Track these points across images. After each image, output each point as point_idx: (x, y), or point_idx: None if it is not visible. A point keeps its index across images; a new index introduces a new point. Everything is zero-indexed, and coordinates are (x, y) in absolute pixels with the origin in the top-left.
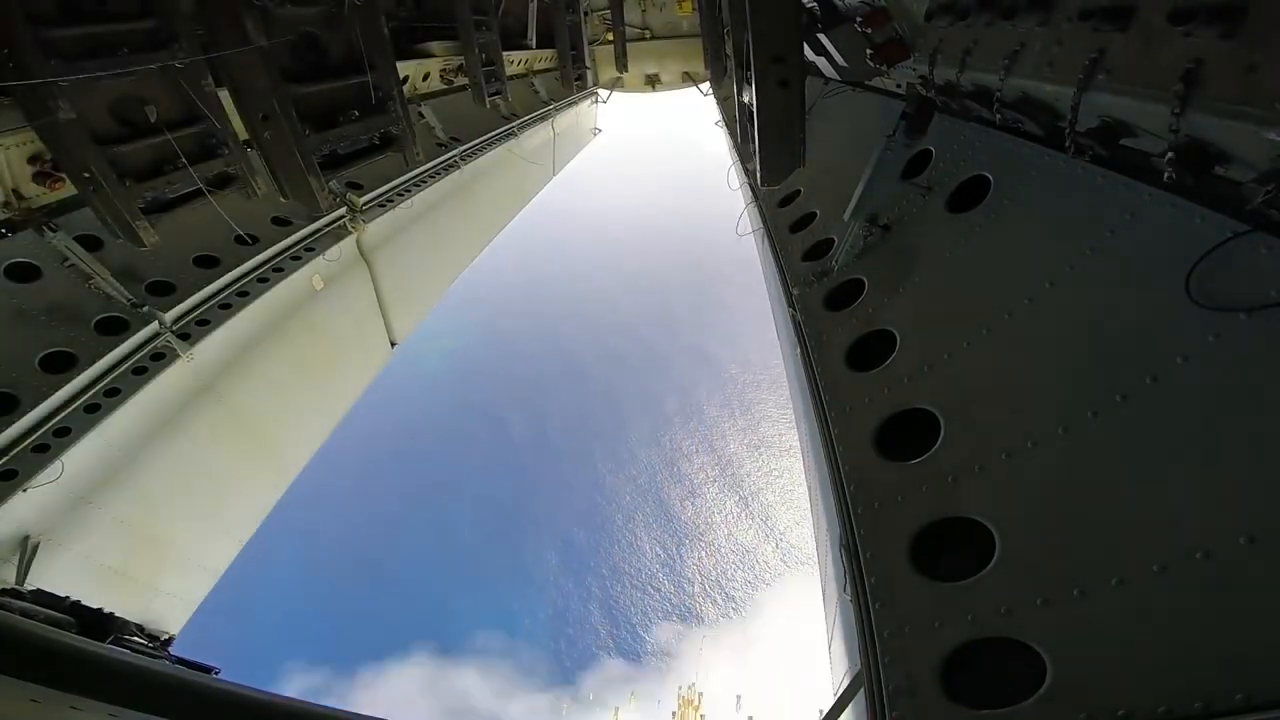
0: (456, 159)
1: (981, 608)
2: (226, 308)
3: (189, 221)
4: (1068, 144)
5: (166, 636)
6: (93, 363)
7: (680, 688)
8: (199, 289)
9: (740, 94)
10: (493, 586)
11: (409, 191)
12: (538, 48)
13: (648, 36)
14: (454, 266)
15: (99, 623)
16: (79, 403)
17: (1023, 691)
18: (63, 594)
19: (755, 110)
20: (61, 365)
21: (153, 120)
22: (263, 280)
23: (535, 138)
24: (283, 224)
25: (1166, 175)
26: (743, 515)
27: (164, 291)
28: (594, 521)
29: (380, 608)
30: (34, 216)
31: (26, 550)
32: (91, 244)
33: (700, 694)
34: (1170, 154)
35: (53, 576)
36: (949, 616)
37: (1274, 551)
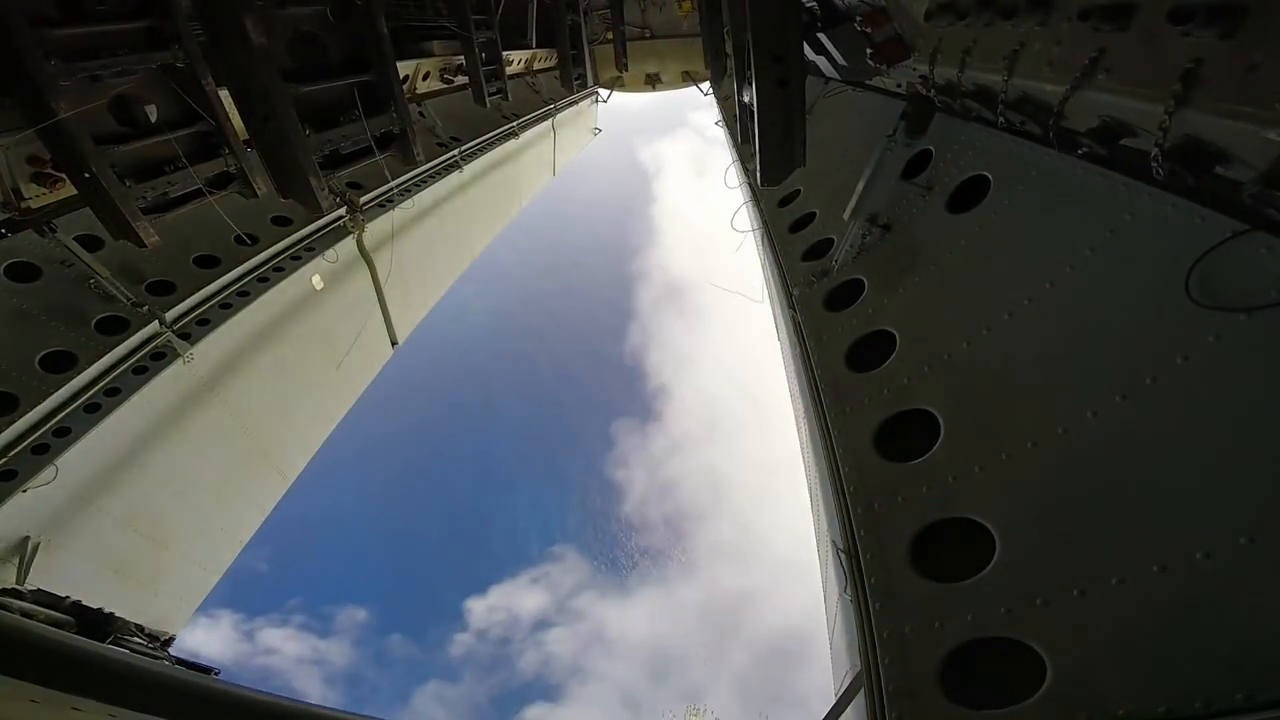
0: (457, 159)
1: (981, 608)
2: (227, 307)
3: (189, 221)
4: (1057, 139)
5: (167, 636)
6: (93, 362)
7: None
8: (199, 289)
9: (740, 94)
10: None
11: (409, 191)
12: (538, 47)
13: (648, 36)
14: (454, 266)
15: (99, 623)
16: (79, 403)
17: (1023, 691)
18: (63, 594)
19: (755, 110)
20: (61, 365)
21: (153, 120)
22: (263, 280)
23: (535, 137)
24: (283, 224)
25: (1155, 171)
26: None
27: (164, 291)
28: None
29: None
30: (34, 216)
31: (26, 550)
32: (91, 244)
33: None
34: (1169, 154)
35: (53, 576)
36: (949, 617)
37: (1274, 551)
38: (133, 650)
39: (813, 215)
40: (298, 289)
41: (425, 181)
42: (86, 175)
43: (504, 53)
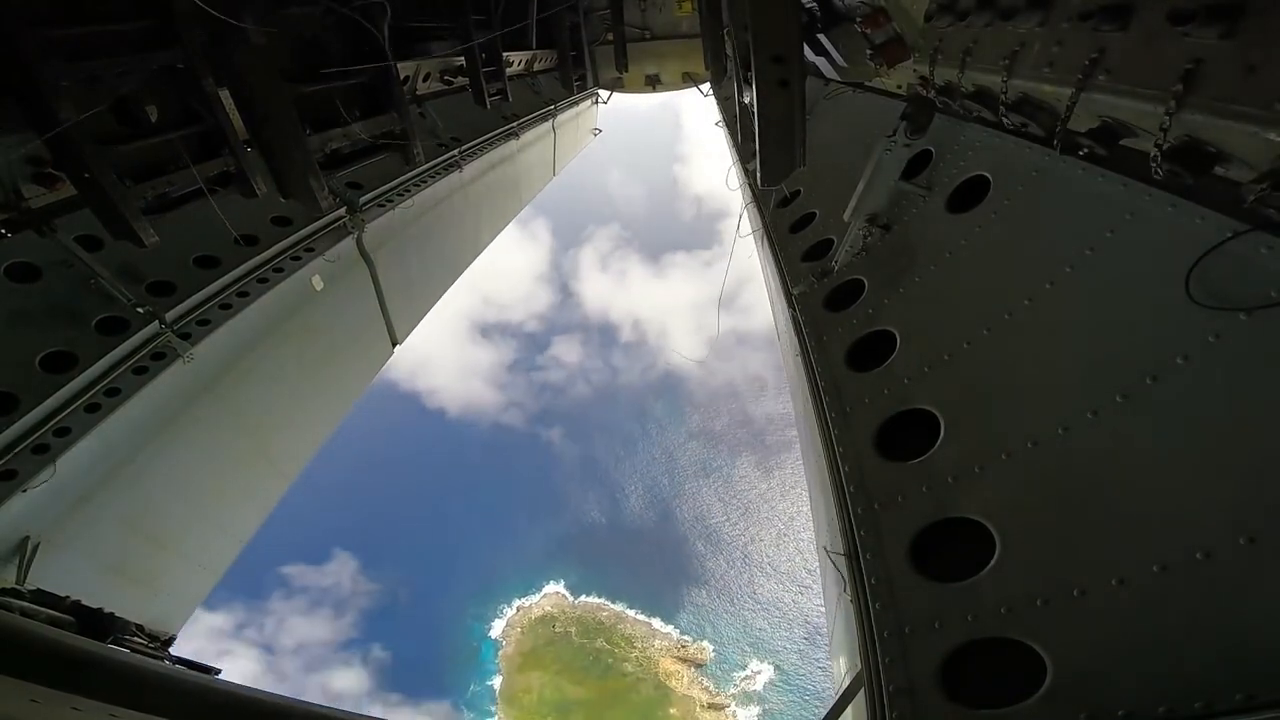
0: (456, 159)
1: (981, 608)
2: (227, 308)
3: (189, 221)
4: (1055, 142)
5: (167, 636)
6: (93, 363)
7: None
8: (199, 289)
9: (740, 94)
10: None
11: (409, 191)
12: (538, 48)
13: (648, 36)
14: (454, 267)
15: (99, 623)
16: (79, 403)
17: (1023, 691)
18: (63, 594)
19: (755, 110)
20: (61, 365)
21: (153, 120)
22: (263, 280)
23: (535, 138)
24: (283, 224)
25: (1154, 171)
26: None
27: (164, 291)
28: None
29: None
30: (34, 217)
31: (26, 550)
32: (91, 244)
33: None
34: (1169, 154)
35: (53, 576)
36: (949, 616)
37: (1274, 551)
38: (133, 650)
39: (813, 215)
40: (298, 289)
41: (425, 181)
42: (86, 175)
43: (504, 54)
